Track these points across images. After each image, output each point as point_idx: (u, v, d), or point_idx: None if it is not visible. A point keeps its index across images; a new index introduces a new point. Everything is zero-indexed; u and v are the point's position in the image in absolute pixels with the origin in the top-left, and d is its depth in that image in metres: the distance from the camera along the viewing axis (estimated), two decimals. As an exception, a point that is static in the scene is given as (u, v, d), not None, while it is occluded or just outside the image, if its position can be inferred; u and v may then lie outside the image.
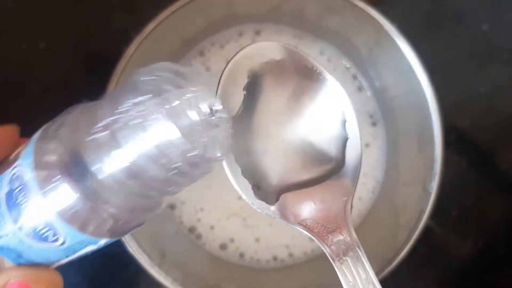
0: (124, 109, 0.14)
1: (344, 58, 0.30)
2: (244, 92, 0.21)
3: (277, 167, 0.22)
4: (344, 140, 0.22)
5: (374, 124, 0.30)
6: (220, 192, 0.29)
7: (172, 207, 0.29)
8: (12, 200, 0.15)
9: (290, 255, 0.29)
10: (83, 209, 0.14)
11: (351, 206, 0.22)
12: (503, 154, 0.34)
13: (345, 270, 0.20)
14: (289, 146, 0.22)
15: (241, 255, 0.29)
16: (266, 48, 0.21)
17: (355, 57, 0.29)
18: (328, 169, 0.22)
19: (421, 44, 0.34)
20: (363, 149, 0.30)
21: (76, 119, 0.16)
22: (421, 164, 0.26)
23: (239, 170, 0.21)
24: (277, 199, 0.21)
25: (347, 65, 0.30)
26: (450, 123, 0.35)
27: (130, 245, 0.25)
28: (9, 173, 0.16)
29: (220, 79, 0.21)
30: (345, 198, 0.21)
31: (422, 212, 0.25)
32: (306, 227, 0.21)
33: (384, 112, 0.30)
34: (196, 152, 0.14)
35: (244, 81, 0.21)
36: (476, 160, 0.34)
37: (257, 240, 0.29)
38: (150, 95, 0.14)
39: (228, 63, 0.21)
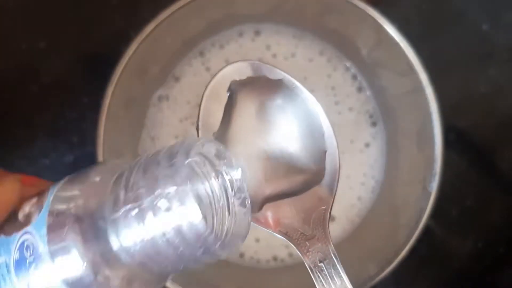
0: (156, 193, 0.14)
1: (344, 58, 0.30)
2: (224, 110, 0.22)
3: (259, 178, 0.23)
4: (323, 152, 0.23)
5: (374, 124, 0.30)
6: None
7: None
8: (23, 269, 0.15)
9: (290, 255, 0.29)
10: (88, 280, 0.14)
11: (330, 215, 0.22)
12: (503, 154, 0.34)
13: (320, 277, 0.20)
14: (270, 158, 0.23)
15: (241, 255, 0.29)
16: (243, 67, 0.22)
17: (355, 57, 0.29)
18: (308, 180, 0.23)
19: (421, 44, 0.34)
20: (362, 149, 0.30)
21: (94, 188, 0.15)
22: (421, 164, 0.26)
23: None
24: (260, 208, 0.22)
25: (347, 65, 0.30)
26: (450, 123, 0.35)
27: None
28: (18, 238, 0.15)
29: (202, 99, 0.22)
30: (324, 207, 0.22)
31: (422, 211, 0.25)
32: (286, 234, 0.22)
33: (384, 112, 0.30)
34: (216, 239, 0.14)
35: (224, 99, 0.22)
36: (476, 159, 0.34)
37: (257, 240, 0.29)
38: (187, 183, 0.14)
39: (208, 83, 0.22)
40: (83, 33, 0.33)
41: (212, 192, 0.15)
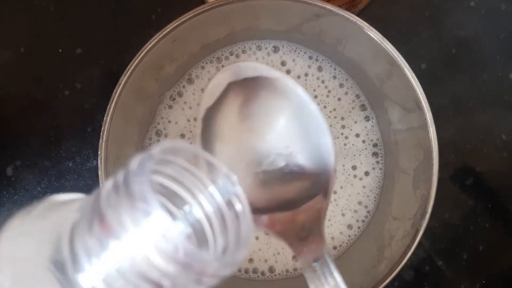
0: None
1: (356, 86, 0.30)
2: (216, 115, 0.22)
3: (254, 185, 0.22)
4: (320, 154, 0.22)
5: (375, 154, 0.30)
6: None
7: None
8: None
9: (271, 270, 0.29)
10: None
11: (325, 215, 0.22)
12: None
13: (314, 277, 0.20)
14: (265, 166, 0.22)
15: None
16: (241, 68, 0.22)
17: (367, 86, 0.30)
18: (306, 187, 0.22)
19: (446, 84, 0.34)
20: (362, 177, 0.30)
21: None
22: (414, 201, 0.26)
23: None
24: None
25: (358, 93, 0.30)
26: (469, 166, 0.35)
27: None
28: None
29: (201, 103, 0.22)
30: (319, 207, 0.22)
31: (407, 248, 0.25)
32: (280, 234, 0.21)
33: (387, 144, 0.30)
34: (213, 258, 0.11)
35: (222, 102, 0.23)
36: (491, 205, 0.34)
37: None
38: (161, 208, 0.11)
39: (207, 86, 0.22)
40: (119, 45, 0.34)
41: (200, 208, 0.13)
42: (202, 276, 0.11)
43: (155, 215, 0.10)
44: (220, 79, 0.22)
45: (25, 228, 0.13)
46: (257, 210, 0.21)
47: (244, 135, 0.22)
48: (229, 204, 0.13)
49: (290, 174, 0.22)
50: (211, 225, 0.13)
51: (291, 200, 0.22)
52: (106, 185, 0.11)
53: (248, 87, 0.22)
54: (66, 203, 0.13)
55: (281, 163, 0.22)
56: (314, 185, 0.22)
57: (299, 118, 0.22)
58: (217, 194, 0.13)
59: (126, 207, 0.10)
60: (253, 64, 0.23)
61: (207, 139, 0.22)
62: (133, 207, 0.10)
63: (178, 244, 0.11)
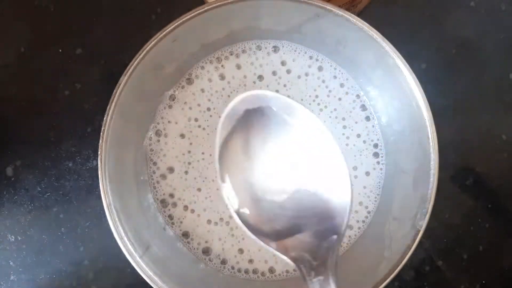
0: None
1: (357, 86, 0.30)
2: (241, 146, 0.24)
3: (274, 211, 0.24)
4: (336, 186, 0.23)
5: (376, 154, 0.30)
6: (212, 197, 0.30)
7: (163, 203, 0.30)
8: None
9: (271, 270, 0.29)
10: None
11: (339, 248, 0.23)
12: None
13: None
14: (286, 193, 0.24)
15: (223, 262, 0.29)
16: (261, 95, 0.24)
17: (367, 87, 0.30)
18: (321, 212, 0.23)
19: (446, 87, 0.34)
20: (362, 177, 0.30)
21: None
22: (414, 201, 0.26)
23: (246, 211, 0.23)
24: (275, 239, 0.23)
25: (359, 93, 0.30)
26: (469, 166, 0.35)
27: (116, 232, 0.26)
28: None
29: (217, 131, 0.23)
30: (335, 237, 0.22)
31: (407, 248, 0.25)
32: (296, 260, 0.22)
33: (387, 144, 0.30)
34: None
35: (237, 131, 0.24)
36: (491, 205, 0.34)
37: (240, 250, 0.29)
38: None
39: (222, 115, 0.23)
40: (119, 46, 0.34)
41: None
42: None
43: None
44: (237, 104, 0.23)
45: None
46: (269, 234, 0.23)
47: (258, 164, 0.24)
48: None
49: (302, 207, 0.23)
50: None
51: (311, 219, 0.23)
52: None
53: (265, 117, 0.24)
54: None
55: (294, 196, 0.24)
56: (327, 219, 0.23)
57: (314, 150, 0.24)
58: None
59: None
60: (272, 93, 0.24)
61: (223, 163, 0.24)
62: None
63: None
